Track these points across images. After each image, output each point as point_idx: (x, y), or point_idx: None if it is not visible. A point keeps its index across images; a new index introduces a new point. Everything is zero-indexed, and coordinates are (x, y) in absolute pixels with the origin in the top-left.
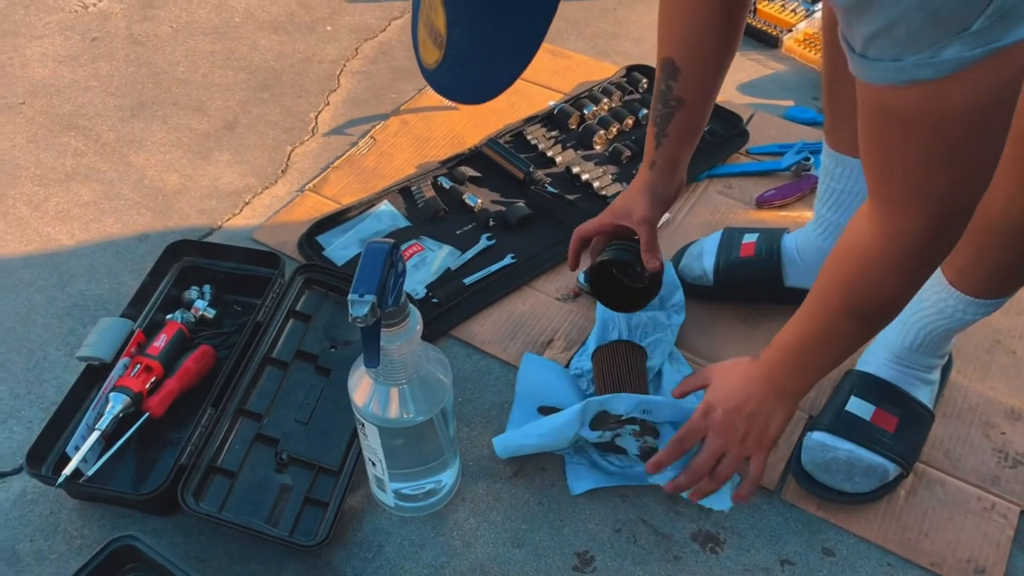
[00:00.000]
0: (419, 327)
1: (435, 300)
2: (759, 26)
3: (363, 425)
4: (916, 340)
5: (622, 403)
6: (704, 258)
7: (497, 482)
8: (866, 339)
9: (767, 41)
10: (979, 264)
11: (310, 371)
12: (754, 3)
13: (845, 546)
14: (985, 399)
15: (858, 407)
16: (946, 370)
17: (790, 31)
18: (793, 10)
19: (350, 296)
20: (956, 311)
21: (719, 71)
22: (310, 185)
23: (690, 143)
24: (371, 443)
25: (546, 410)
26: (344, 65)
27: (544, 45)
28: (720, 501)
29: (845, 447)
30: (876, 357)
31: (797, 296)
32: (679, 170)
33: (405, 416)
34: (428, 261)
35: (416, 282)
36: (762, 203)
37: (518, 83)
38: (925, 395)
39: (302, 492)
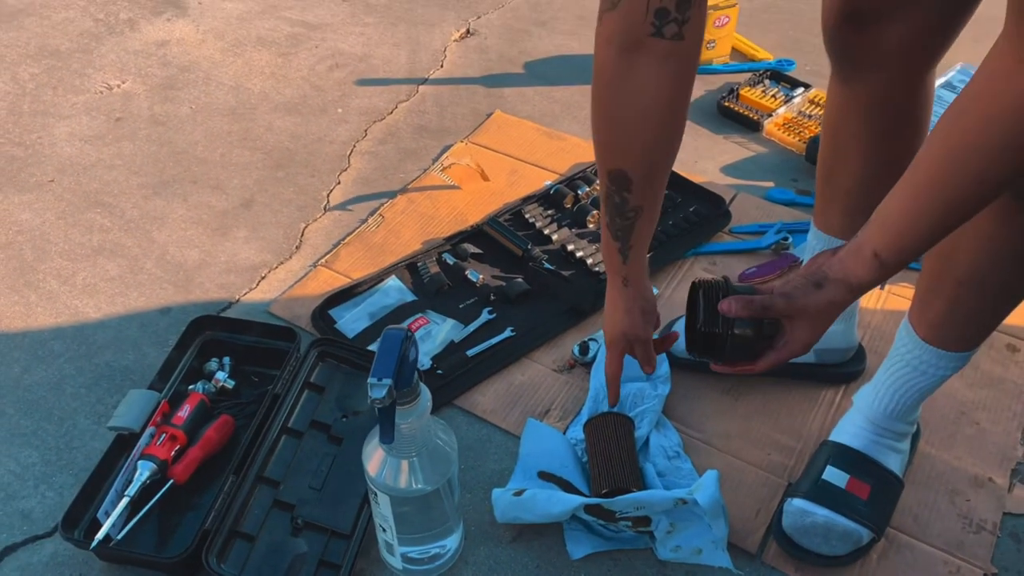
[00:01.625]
0: (428, 404)
1: (440, 371)
2: (741, 111)
3: (375, 494)
4: (890, 404)
5: (617, 504)
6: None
7: (498, 546)
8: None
9: (749, 125)
10: (952, 316)
11: (323, 440)
12: (737, 89)
13: None
14: (951, 467)
15: (834, 476)
16: (915, 440)
17: (770, 115)
18: (773, 96)
19: (370, 380)
20: (930, 367)
21: (669, 170)
22: (322, 261)
23: (648, 243)
24: (382, 511)
25: (546, 475)
26: (354, 146)
27: (540, 128)
28: (719, 557)
29: (823, 513)
30: (851, 426)
31: (777, 369)
32: (646, 274)
33: (414, 486)
34: (433, 334)
35: (422, 354)
36: (744, 280)
37: (516, 163)
38: (895, 464)
39: (316, 555)
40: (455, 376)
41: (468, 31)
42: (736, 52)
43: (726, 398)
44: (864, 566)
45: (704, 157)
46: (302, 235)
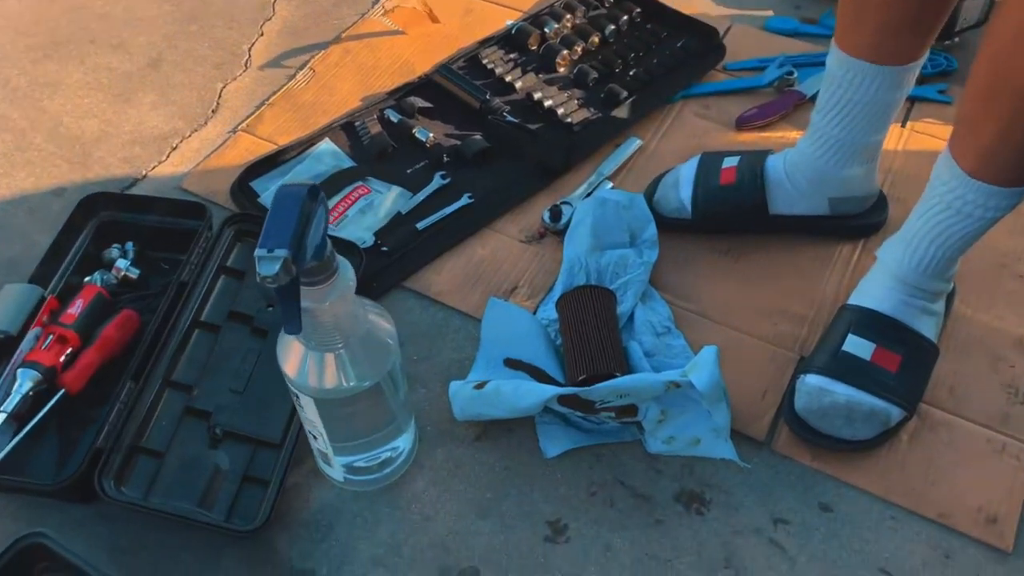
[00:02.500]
0: (352, 281)
1: (385, 248)
2: None
3: (298, 397)
4: (925, 258)
5: (596, 392)
6: (681, 188)
7: (459, 447)
8: None
9: None
10: (1009, 139)
11: (245, 333)
12: None
13: (844, 500)
14: (991, 330)
15: (857, 346)
16: (950, 300)
17: None
18: None
19: (257, 252)
20: (976, 207)
21: None
22: (243, 125)
23: None
24: (309, 416)
25: (513, 363)
26: None
27: None
28: (721, 448)
29: (844, 391)
30: (875, 287)
31: (784, 224)
32: None
33: (346, 384)
34: (376, 205)
35: (363, 229)
36: (742, 124)
37: (471, 2)
38: (929, 328)
39: (240, 470)
40: (403, 253)
41: None
42: None
43: (724, 260)
44: (893, 450)
45: None
46: (219, 97)
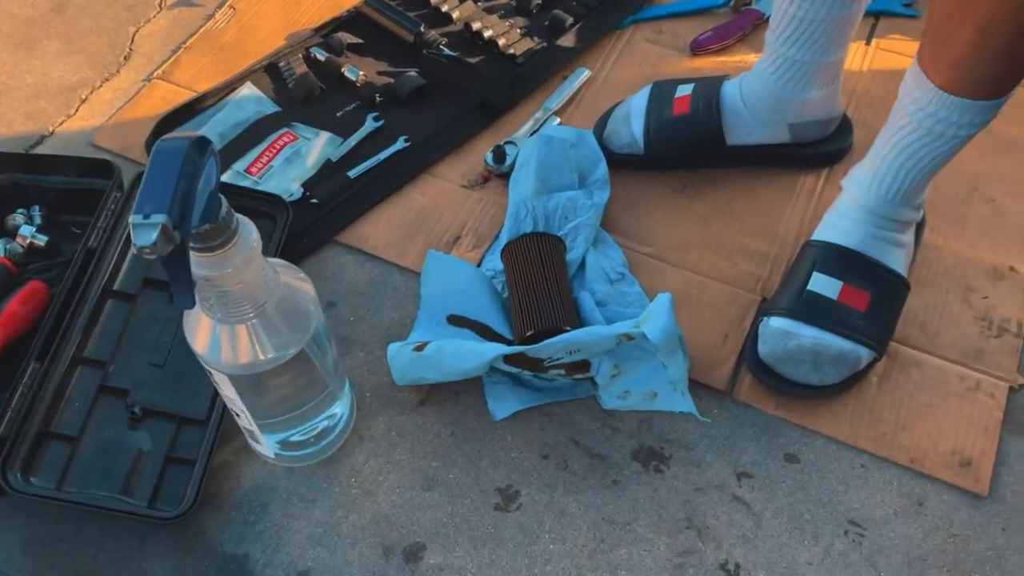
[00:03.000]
0: (256, 242)
1: (314, 201)
2: None
3: (211, 374)
4: (894, 185)
5: (544, 349)
6: (632, 121)
7: (401, 414)
8: None
9: None
10: (986, 48)
11: (163, 302)
12: None
13: (811, 449)
14: (963, 259)
15: (823, 284)
16: (919, 230)
17: None
18: None
19: (131, 218)
20: (950, 125)
21: None
22: (158, 72)
23: None
24: (227, 393)
25: (457, 320)
26: None
27: None
28: (679, 401)
29: (810, 333)
30: (842, 219)
31: (742, 156)
32: None
33: (262, 357)
34: (303, 153)
35: (290, 180)
36: (697, 48)
37: None
38: (899, 262)
39: (162, 451)
40: (335, 205)
41: None
42: None
43: (680, 199)
44: (862, 393)
45: None
46: (132, 42)
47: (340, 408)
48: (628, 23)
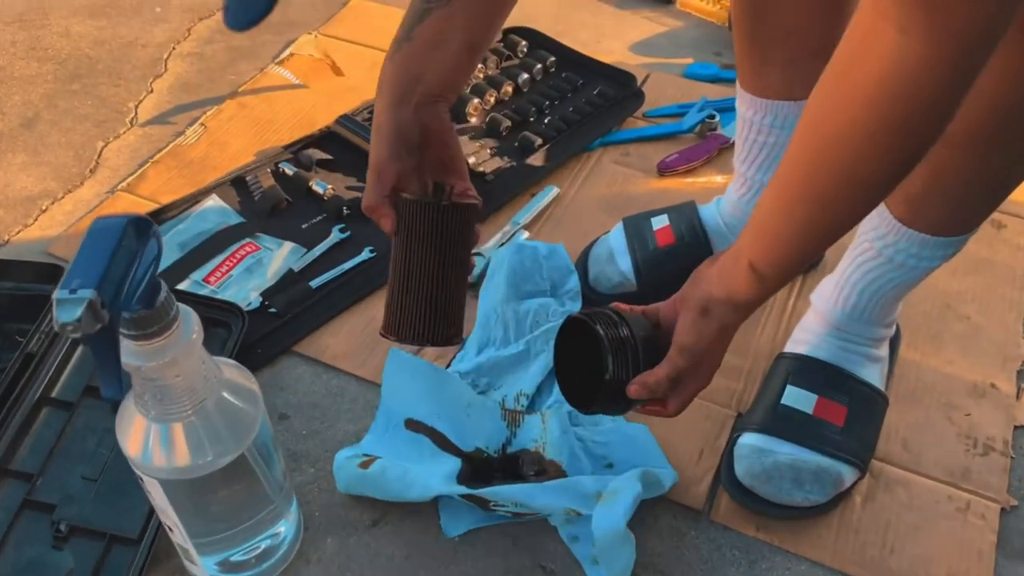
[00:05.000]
0: (196, 334)
1: (273, 310)
2: None
3: (143, 480)
4: (859, 305)
5: (488, 494)
6: (618, 259)
7: (352, 535)
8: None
9: None
10: (939, 187)
11: (104, 411)
12: None
13: (795, 575)
14: (943, 376)
15: (797, 398)
16: (894, 344)
17: None
18: None
19: (56, 294)
20: (910, 257)
21: None
22: (123, 185)
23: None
24: (159, 503)
25: (414, 424)
26: (173, 48)
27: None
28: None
29: (786, 450)
30: (811, 335)
31: None
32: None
33: (198, 461)
34: (265, 263)
35: (248, 289)
36: (664, 170)
37: (380, 55)
38: (874, 375)
39: (87, 572)
40: (295, 314)
41: None
42: None
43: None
44: (846, 514)
45: (608, 36)
46: (99, 156)
47: (285, 527)
48: (596, 146)
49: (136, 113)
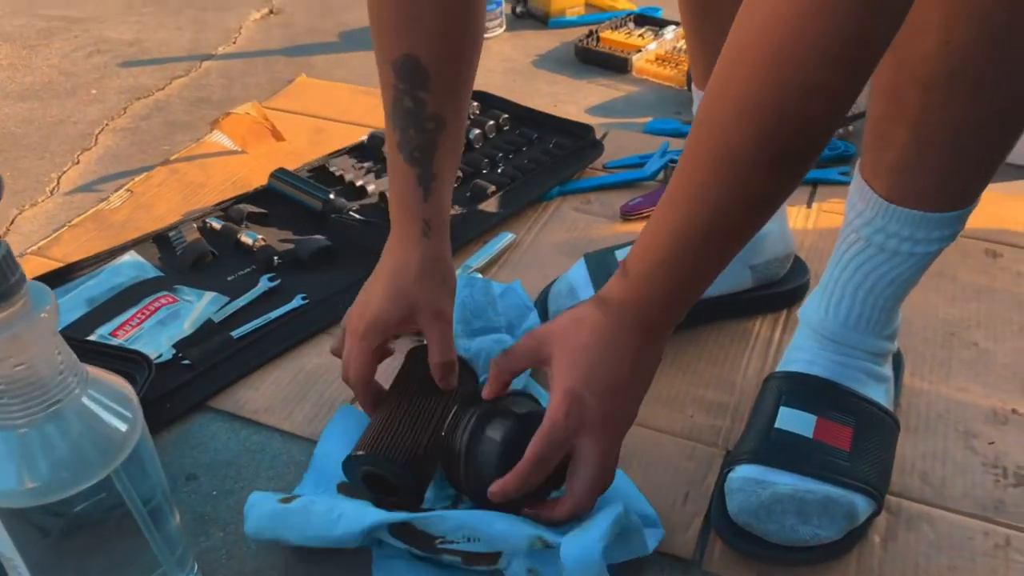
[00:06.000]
0: (48, 314)
1: (187, 362)
2: (605, 51)
3: None
4: (853, 310)
5: (434, 524)
6: (579, 293)
7: None
8: (774, 209)
9: (615, 67)
10: (923, 149)
11: None
12: (596, 32)
13: None
14: (956, 403)
15: (793, 420)
16: (898, 370)
17: (639, 51)
18: (641, 35)
19: None
20: (903, 242)
21: (471, 78)
22: (33, 248)
23: (453, 177)
24: (2, 548)
25: (349, 490)
26: (106, 124)
27: (356, 87)
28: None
29: (786, 480)
30: (801, 352)
31: (706, 312)
32: (448, 228)
33: (32, 485)
34: (182, 314)
35: (161, 341)
36: (628, 213)
37: (323, 123)
38: (879, 394)
39: None
40: (211, 366)
41: (271, 11)
42: (591, 5)
43: None
44: (864, 556)
45: (564, 101)
46: (11, 223)
47: None
48: (554, 194)
49: (58, 183)
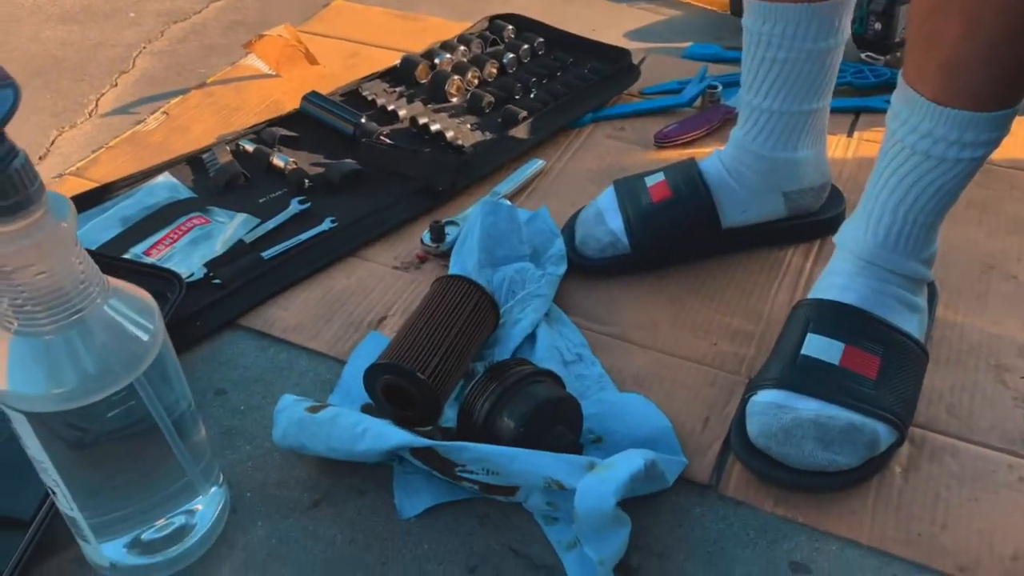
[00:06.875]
0: (68, 223)
1: (217, 281)
2: None
3: (11, 421)
4: (893, 228)
5: (455, 451)
6: (607, 218)
7: (287, 517)
8: None
9: None
10: (978, 42)
11: None
12: None
13: (825, 556)
14: (990, 336)
15: (820, 347)
16: (931, 302)
17: None
18: None
19: None
20: (950, 147)
21: None
22: (72, 168)
23: None
24: (34, 453)
25: (373, 411)
26: (143, 47)
27: (392, 11)
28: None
29: (809, 405)
30: (835, 276)
31: (737, 240)
32: None
33: (58, 391)
34: (214, 235)
35: (193, 261)
36: (662, 141)
37: (358, 47)
38: (911, 324)
39: None
40: (241, 286)
41: None
42: None
43: (646, 278)
44: (884, 486)
45: (602, 26)
46: (52, 144)
47: (203, 505)
48: (587, 121)
49: (96, 105)
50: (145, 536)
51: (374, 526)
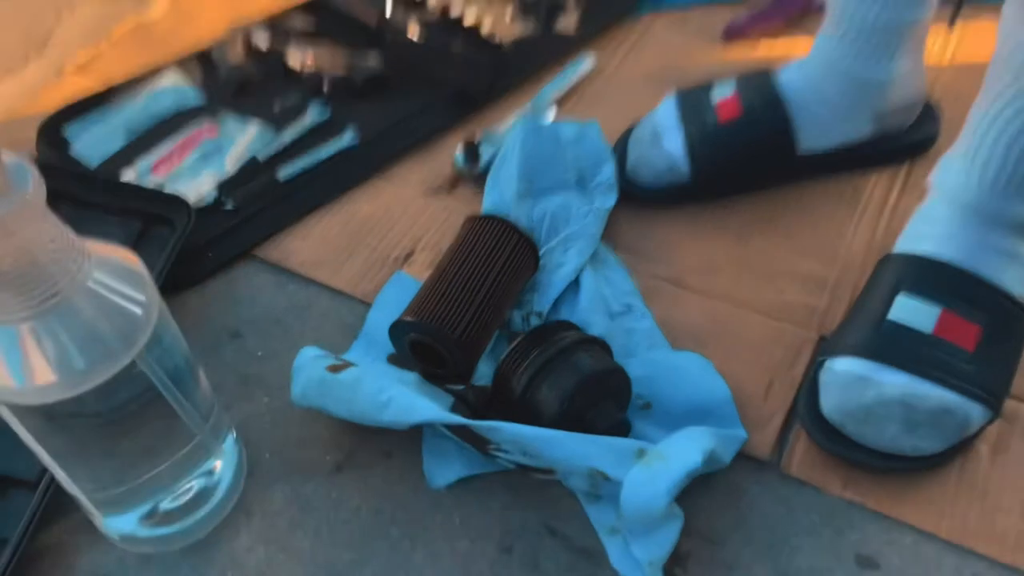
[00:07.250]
0: (34, 189)
1: (230, 207)
2: None
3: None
4: (1004, 168)
5: (489, 431)
6: (665, 139)
7: (308, 482)
8: None
9: None
10: None
11: None
12: None
13: (896, 550)
14: None
15: (912, 312)
16: None
17: None
18: None
19: None
20: None
21: None
22: (73, 64)
23: None
24: (23, 437)
25: (399, 361)
26: None
27: None
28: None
29: (897, 380)
30: (932, 225)
31: (813, 166)
32: None
33: (50, 379)
34: (224, 149)
35: (202, 181)
36: (731, 35)
37: None
38: (1016, 283)
39: None
40: (255, 212)
41: None
42: None
43: (707, 209)
44: (968, 470)
45: None
46: (50, 35)
47: (222, 463)
48: (644, 11)
49: None
50: (164, 506)
51: (401, 496)
